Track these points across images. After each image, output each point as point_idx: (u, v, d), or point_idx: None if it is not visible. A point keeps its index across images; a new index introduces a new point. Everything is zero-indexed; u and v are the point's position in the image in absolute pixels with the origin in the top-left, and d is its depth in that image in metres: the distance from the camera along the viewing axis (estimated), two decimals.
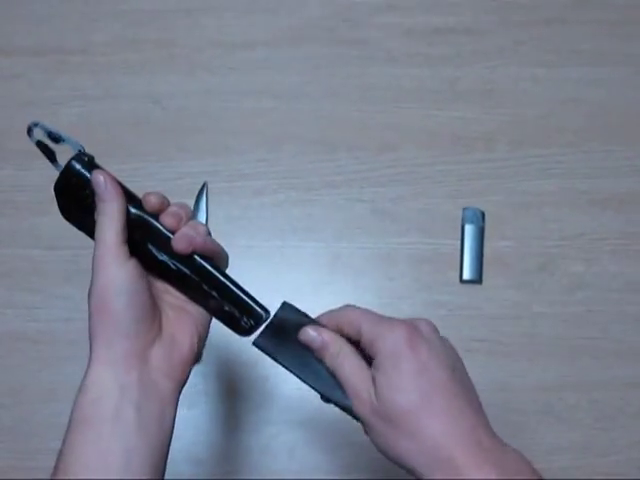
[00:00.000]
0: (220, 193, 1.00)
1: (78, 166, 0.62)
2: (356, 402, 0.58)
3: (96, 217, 0.60)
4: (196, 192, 0.99)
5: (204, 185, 0.99)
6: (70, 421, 0.57)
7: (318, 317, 0.63)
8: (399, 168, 1.01)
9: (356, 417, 0.60)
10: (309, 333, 0.61)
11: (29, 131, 0.62)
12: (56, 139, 0.63)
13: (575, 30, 1.06)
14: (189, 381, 0.93)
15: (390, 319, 0.60)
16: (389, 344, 0.57)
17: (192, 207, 0.97)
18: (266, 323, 0.62)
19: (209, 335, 0.95)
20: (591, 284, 0.98)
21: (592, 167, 1.01)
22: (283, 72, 1.04)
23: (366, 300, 0.97)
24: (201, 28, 1.05)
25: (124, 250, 0.58)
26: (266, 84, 1.04)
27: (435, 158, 1.01)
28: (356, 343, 0.60)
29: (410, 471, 0.55)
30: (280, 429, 0.94)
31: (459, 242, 0.98)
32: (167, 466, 0.92)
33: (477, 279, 0.97)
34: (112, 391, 0.56)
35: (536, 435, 0.94)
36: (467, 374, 0.60)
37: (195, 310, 0.63)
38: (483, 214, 0.98)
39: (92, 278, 0.58)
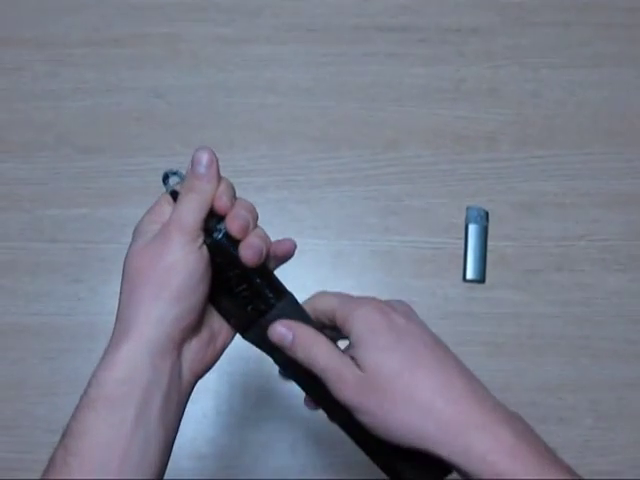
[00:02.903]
0: None
1: (226, 242, 0.56)
2: (340, 387, 0.53)
3: (182, 193, 0.55)
4: None
5: None
6: (87, 396, 0.52)
7: None
8: (402, 166, 1.01)
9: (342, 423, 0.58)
10: (279, 330, 0.56)
11: (165, 179, 0.58)
12: None
13: (578, 32, 1.06)
14: None
15: (362, 297, 0.57)
16: (362, 317, 0.54)
17: None
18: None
19: None
20: (592, 285, 0.98)
21: (594, 168, 1.01)
22: (288, 69, 1.05)
23: None
24: (206, 23, 1.06)
25: (202, 236, 0.54)
26: (271, 81, 1.04)
27: (438, 157, 1.02)
28: (333, 331, 0.58)
29: (415, 446, 0.51)
30: (281, 425, 0.94)
31: (462, 241, 0.99)
32: (170, 461, 0.93)
33: (480, 279, 0.97)
34: (145, 373, 0.52)
35: None
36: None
37: None
38: (487, 213, 0.99)
39: (152, 250, 0.54)
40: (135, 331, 0.52)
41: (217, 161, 0.56)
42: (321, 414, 0.94)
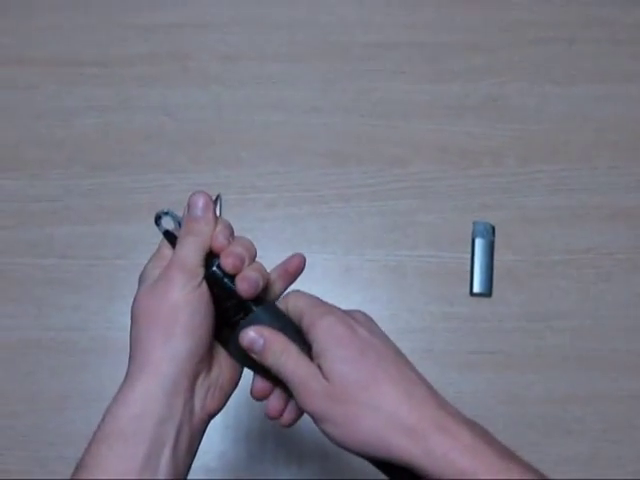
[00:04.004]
0: (232, 205, 1.01)
1: (221, 274, 0.57)
2: (306, 396, 0.54)
3: (181, 235, 0.58)
4: None
5: (218, 197, 1.00)
6: (101, 431, 0.54)
7: None
8: (409, 182, 1.02)
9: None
10: (250, 335, 0.57)
11: (157, 219, 0.59)
12: None
13: (583, 48, 1.07)
14: None
15: (327, 305, 0.58)
16: (326, 328, 0.55)
17: None
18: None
19: None
20: (599, 297, 0.99)
21: (599, 182, 1.02)
22: (295, 86, 1.06)
23: (375, 312, 0.97)
24: (215, 42, 1.07)
25: (202, 274, 0.56)
26: (278, 98, 1.05)
27: (445, 172, 1.03)
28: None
29: (379, 456, 0.52)
30: (289, 439, 0.95)
31: (469, 255, 0.99)
32: None
33: (487, 292, 0.98)
34: (158, 409, 0.54)
35: (543, 447, 0.95)
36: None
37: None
38: (493, 228, 1.00)
39: (156, 291, 0.56)
40: (150, 368, 0.54)
41: (213, 203, 0.59)
42: None
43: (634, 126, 1.04)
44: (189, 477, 0.93)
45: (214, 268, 0.57)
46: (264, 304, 0.59)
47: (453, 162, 1.03)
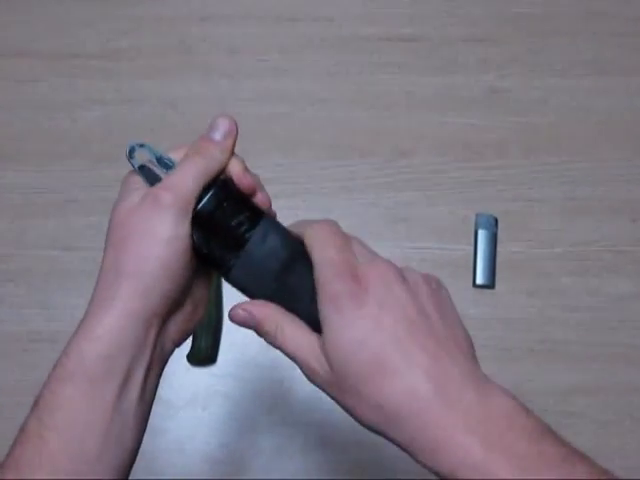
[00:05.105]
0: None
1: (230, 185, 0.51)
2: (343, 355, 0.46)
3: (187, 154, 0.51)
4: None
5: None
6: (64, 367, 0.48)
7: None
8: (412, 174, 1.03)
9: None
10: (239, 314, 0.50)
11: (131, 152, 0.51)
12: (167, 165, 0.52)
13: (586, 41, 1.07)
14: (205, 382, 0.96)
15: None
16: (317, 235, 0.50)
17: None
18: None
19: (225, 337, 0.97)
20: (601, 290, 0.99)
21: (603, 175, 1.02)
22: (298, 79, 1.06)
23: None
24: (218, 35, 1.07)
25: (194, 204, 0.49)
26: (282, 90, 1.06)
27: (448, 164, 1.03)
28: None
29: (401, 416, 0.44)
30: (294, 430, 0.95)
31: (472, 247, 0.99)
32: (182, 465, 0.94)
33: (490, 284, 0.98)
34: (129, 349, 0.48)
35: None
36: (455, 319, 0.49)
37: (208, 279, 0.56)
38: (496, 220, 1.00)
39: (142, 212, 0.49)
40: (119, 303, 0.48)
41: (236, 134, 0.52)
42: (332, 419, 0.95)
43: (637, 118, 1.04)
44: (194, 469, 0.94)
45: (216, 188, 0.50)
46: (263, 218, 0.53)
47: (456, 154, 1.03)
